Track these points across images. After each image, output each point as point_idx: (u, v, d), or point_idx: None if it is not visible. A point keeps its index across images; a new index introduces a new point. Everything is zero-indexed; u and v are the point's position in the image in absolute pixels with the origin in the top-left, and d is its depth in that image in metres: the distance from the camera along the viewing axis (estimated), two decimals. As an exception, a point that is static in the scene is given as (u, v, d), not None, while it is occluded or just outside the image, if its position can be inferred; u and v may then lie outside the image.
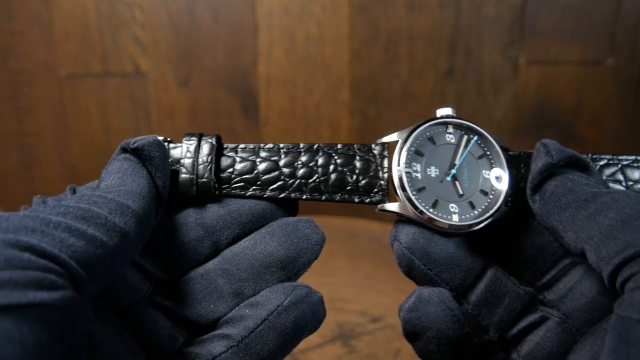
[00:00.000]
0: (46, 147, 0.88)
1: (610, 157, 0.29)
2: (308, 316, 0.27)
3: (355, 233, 0.74)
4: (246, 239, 0.29)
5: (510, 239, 0.29)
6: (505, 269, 0.29)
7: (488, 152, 0.30)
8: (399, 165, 0.29)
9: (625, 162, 0.29)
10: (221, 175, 0.30)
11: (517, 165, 0.29)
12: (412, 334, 0.27)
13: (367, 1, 0.78)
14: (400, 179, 0.28)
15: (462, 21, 0.78)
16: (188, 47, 0.82)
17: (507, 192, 0.28)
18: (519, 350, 0.28)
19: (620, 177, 0.29)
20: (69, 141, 0.87)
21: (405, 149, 0.29)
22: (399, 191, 0.28)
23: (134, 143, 0.27)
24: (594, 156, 0.30)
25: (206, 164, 0.29)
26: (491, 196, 0.29)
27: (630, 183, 0.29)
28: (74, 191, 0.28)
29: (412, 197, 0.28)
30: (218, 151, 0.30)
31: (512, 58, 0.78)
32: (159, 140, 0.28)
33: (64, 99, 0.85)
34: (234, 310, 0.27)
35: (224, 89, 0.83)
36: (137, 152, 0.27)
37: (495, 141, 0.29)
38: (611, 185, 0.29)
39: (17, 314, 0.17)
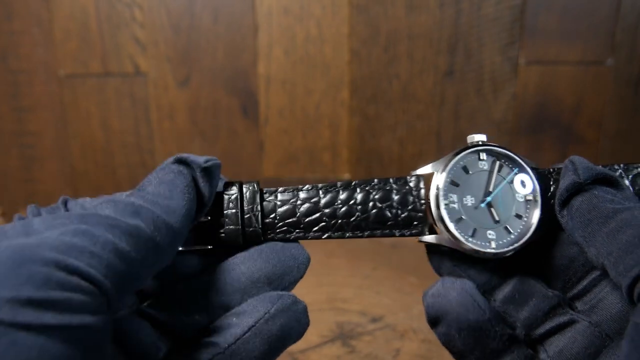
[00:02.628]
0: (46, 147, 0.88)
1: None
2: (293, 324, 0.27)
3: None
4: (235, 256, 0.29)
5: (542, 249, 0.30)
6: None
7: (516, 171, 0.30)
8: (436, 198, 0.29)
9: None
10: (265, 221, 0.30)
11: (547, 182, 0.30)
12: (433, 318, 0.28)
13: (367, 1, 0.78)
14: (439, 211, 0.29)
15: (462, 21, 0.78)
16: (188, 47, 0.82)
17: (540, 214, 0.29)
18: (547, 350, 0.28)
19: None
20: (69, 141, 0.87)
21: (441, 181, 0.29)
22: (438, 224, 0.29)
23: (206, 162, 0.27)
24: (626, 166, 0.30)
25: (252, 213, 0.30)
26: (525, 219, 0.29)
27: None
28: (65, 204, 0.28)
29: (451, 228, 0.29)
30: (260, 197, 0.30)
31: (512, 58, 0.78)
32: (220, 164, 0.29)
33: (64, 99, 0.85)
34: (220, 319, 0.28)
35: (223, 89, 0.83)
36: (202, 171, 0.27)
37: (525, 162, 0.30)
38: None
39: (68, 334, 0.18)
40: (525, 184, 0.30)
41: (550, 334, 0.28)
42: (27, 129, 0.88)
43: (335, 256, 0.67)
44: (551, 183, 0.30)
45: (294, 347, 0.49)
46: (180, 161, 0.27)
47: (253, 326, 0.26)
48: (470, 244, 0.28)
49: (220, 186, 0.31)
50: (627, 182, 0.30)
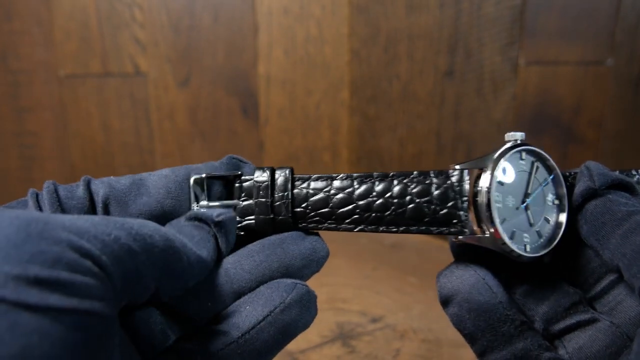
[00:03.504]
0: (46, 147, 0.88)
1: None
2: (304, 314, 0.27)
3: (355, 233, 0.74)
4: (254, 243, 0.29)
5: (561, 250, 0.30)
6: None
7: (552, 177, 0.30)
8: (488, 197, 0.27)
9: None
10: (295, 210, 0.29)
11: (572, 188, 0.30)
12: (445, 298, 0.28)
13: (367, 1, 0.78)
14: (490, 212, 0.27)
15: (462, 21, 0.78)
16: (188, 47, 0.82)
17: (567, 218, 0.29)
18: (566, 346, 0.28)
19: None
20: (69, 141, 0.87)
21: (488, 179, 0.28)
22: (485, 224, 0.27)
23: (218, 216, 0.27)
24: None
25: (283, 201, 0.29)
26: (553, 223, 0.29)
27: None
28: (88, 183, 0.27)
29: (500, 230, 0.27)
30: (292, 185, 0.29)
31: (512, 58, 0.78)
32: (235, 217, 0.28)
33: (64, 99, 0.85)
34: (232, 306, 0.27)
35: (223, 89, 0.83)
36: (216, 225, 0.27)
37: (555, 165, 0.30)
38: None
39: (73, 318, 0.17)
40: (555, 188, 0.29)
41: (570, 329, 0.28)
42: (27, 129, 0.88)
43: (336, 256, 0.67)
44: (567, 185, 0.30)
45: (293, 347, 0.49)
46: (195, 218, 0.27)
47: (268, 315, 0.26)
48: (512, 246, 0.27)
49: (251, 170, 0.30)
50: None
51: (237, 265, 0.28)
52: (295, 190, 0.30)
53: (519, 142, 0.29)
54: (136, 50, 0.82)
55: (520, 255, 0.28)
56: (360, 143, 0.84)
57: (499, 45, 0.78)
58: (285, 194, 0.29)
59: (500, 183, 0.28)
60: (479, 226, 0.27)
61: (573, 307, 0.28)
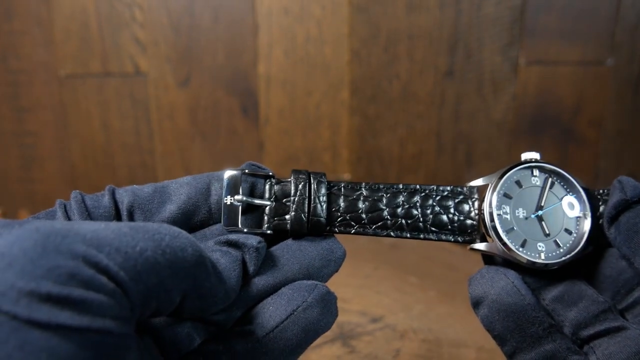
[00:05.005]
0: (46, 147, 0.88)
1: None
2: (326, 314, 0.28)
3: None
4: (274, 247, 0.29)
5: (591, 263, 0.31)
6: None
7: (571, 193, 0.32)
8: (490, 208, 0.30)
9: None
10: (329, 212, 0.31)
11: (596, 202, 0.31)
12: (475, 300, 0.29)
13: (367, 1, 0.78)
14: (492, 221, 0.30)
15: (462, 21, 0.78)
16: (188, 47, 0.82)
17: (589, 231, 0.30)
18: (596, 352, 0.28)
19: None
20: (69, 141, 0.87)
21: (496, 192, 0.31)
22: (491, 232, 0.30)
23: (259, 242, 0.27)
24: None
25: (319, 202, 0.30)
26: (575, 235, 0.31)
27: None
28: (113, 192, 0.28)
29: (503, 237, 0.30)
30: (327, 188, 0.31)
31: (512, 58, 0.78)
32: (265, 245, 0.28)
33: (64, 99, 0.85)
34: (256, 307, 0.27)
35: (223, 89, 0.83)
36: (255, 250, 0.27)
37: (577, 181, 0.32)
38: None
39: (84, 337, 0.17)
40: (576, 202, 0.31)
41: (599, 335, 0.28)
42: (27, 129, 0.88)
43: (335, 256, 0.67)
44: (600, 204, 0.31)
45: (294, 347, 0.49)
46: (227, 243, 0.27)
47: (291, 314, 0.26)
48: (521, 253, 0.30)
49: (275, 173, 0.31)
50: None
51: (260, 269, 0.28)
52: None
53: (533, 160, 0.32)
54: (136, 50, 0.82)
55: (532, 262, 0.29)
56: (360, 143, 0.84)
57: (499, 45, 0.78)
58: (321, 196, 0.30)
59: (508, 196, 0.31)
60: (488, 235, 0.30)
61: (602, 315, 0.29)
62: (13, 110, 0.87)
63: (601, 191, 0.32)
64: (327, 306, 0.28)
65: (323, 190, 0.30)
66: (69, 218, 0.26)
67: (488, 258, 0.32)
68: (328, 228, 0.31)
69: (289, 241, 0.29)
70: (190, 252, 0.22)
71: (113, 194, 0.28)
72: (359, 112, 0.82)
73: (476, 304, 0.30)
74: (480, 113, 0.81)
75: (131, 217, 0.28)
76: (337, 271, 0.30)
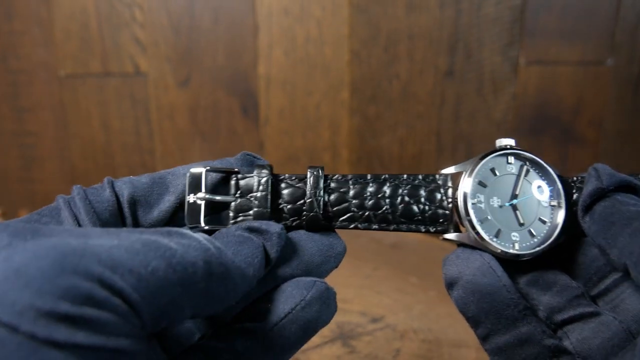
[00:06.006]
0: (46, 147, 0.88)
1: None
2: (325, 310, 0.28)
3: (356, 233, 0.74)
4: None
5: (565, 248, 0.30)
6: None
7: (546, 181, 0.31)
8: (464, 196, 0.30)
9: None
10: (293, 206, 0.30)
11: (570, 190, 0.31)
12: (450, 280, 0.29)
13: (367, 1, 0.78)
14: (466, 210, 0.29)
15: (462, 21, 0.78)
16: (188, 47, 0.82)
17: (564, 220, 0.30)
18: (570, 337, 0.28)
19: None
20: (69, 141, 0.87)
21: (470, 180, 0.30)
22: (464, 222, 0.29)
23: (282, 229, 0.28)
24: None
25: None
26: (549, 224, 0.30)
27: None
28: (112, 184, 0.28)
29: (477, 227, 0.29)
30: (273, 184, 0.30)
31: (512, 58, 0.78)
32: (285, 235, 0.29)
33: (64, 99, 0.85)
34: (255, 304, 0.28)
35: (223, 90, 0.83)
36: (278, 236, 0.27)
37: (552, 169, 0.31)
38: None
39: (99, 356, 0.17)
40: (550, 190, 0.31)
41: (573, 320, 0.28)
42: (27, 129, 0.88)
43: (336, 256, 0.67)
44: (574, 191, 0.31)
45: (294, 347, 0.49)
46: (252, 229, 0.27)
47: (290, 313, 0.27)
48: (494, 243, 0.29)
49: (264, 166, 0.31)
50: None
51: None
52: (292, 189, 0.31)
53: (508, 147, 0.31)
54: (136, 50, 0.82)
55: (506, 252, 0.29)
56: (360, 143, 0.84)
57: (499, 45, 0.78)
58: (318, 191, 0.30)
59: (483, 184, 0.30)
60: (462, 224, 0.29)
61: (576, 300, 0.28)
62: (13, 110, 0.87)
63: (575, 178, 0.31)
64: (326, 303, 0.28)
65: (283, 185, 0.30)
66: (75, 216, 0.27)
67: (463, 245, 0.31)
68: (291, 222, 0.30)
69: (290, 235, 0.29)
70: (201, 264, 0.22)
71: (112, 186, 0.28)
72: (359, 112, 0.82)
73: (450, 285, 0.29)
74: (480, 113, 0.81)
75: (132, 209, 0.28)
76: (336, 267, 0.30)
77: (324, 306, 0.28)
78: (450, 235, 0.30)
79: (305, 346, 0.50)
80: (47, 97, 0.86)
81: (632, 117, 0.79)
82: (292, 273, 0.28)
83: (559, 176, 0.31)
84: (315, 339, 0.50)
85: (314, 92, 0.82)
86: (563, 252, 0.30)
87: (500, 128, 0.81)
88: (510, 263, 0.29)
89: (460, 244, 0.30)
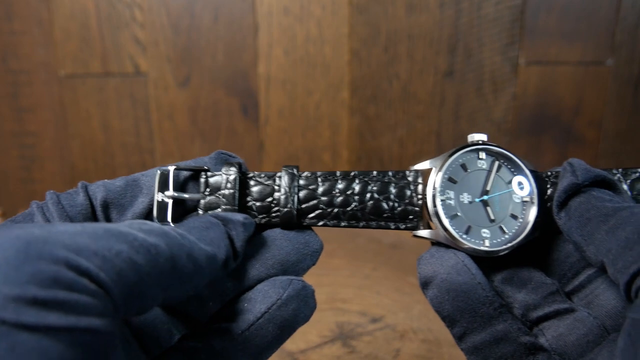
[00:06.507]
0: (46, 147, 0.88)
1: None
2: (303, 308, 0.28)
3: (355, 233, 0.74)
4: (248, 243, 0.29)
5: (538, 246, 0.30)
6: None
7: (518, 176, 0.30)
8: (433, 193, 0.29)
9: None
10: (262, 204, 0.30)
11: (544, 185, 0.30)
12: (424, 279, 0.28)
13: (367, 1, 0.78)
14: (435, 207, 0.29)
15: (462, 21, 0.78)
16: (188, 47, 0.82)
17: (536, 216, 0.29)
18: (546, 334, 0.28)
19: None
20: (69, 141, 0.87)
21: (439, 177, 0.29)
22: (433, 218, 0.29)
23: (245, 218, 0.28)
24: (625, 171, 0.30)
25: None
26: (521, 220, 0.30)
27: None
28: (85, 188, 0.28)
29: (446, 224, 0.29)
30: (242, 181, 0.30)
31: (512, 58, 0.78)
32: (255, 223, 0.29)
33: (64, 99, 0.85)
34: (232, 304, 0.28)
35: (223, 89, 0.83)
36: (242, 226, 0.28)
37: (525, 164, 0.30)
38: None
39: (72, 336, 0.17)
40: (522, 186, 0.30)
41: (549, 317, 0.28)
42: (27, 129, 0.88)
43: (336, 256, 0.67)
44: (548, 186, 0.30)
45: (293, 347, 0.49)
46: (217, 218, 0.28)
47: (266, 312, 0.27)
48: (464, 240, 0.29)
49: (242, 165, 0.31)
50: (625, 187, 0.30)
51: (236, 268, 0.28)
52: (261, 186, 0.30)
53: (479, 142, 0.30)
54: (136, 50, 0.82)
55: (477, 249, 0.28)
56: (360, 143, 0.84)
57: (499, 45, 0.78)
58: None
59: (452, 180, 0.30)
60: (431, 221, 0.29)
61: (551, 297, 0.28)
62: (13, 110, 0.87)
63: (549, 173, 0.30)
64: (304, 300, 0.28)
65: (252, 182, 0.30)
66: (47, 220, 0.27)
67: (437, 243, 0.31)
68: (259, 220, 0.30)
69: (265, 235, 0.30)
70: (164, 246, 0.22)
71: (86, 190, 0.28)
72: (359, 112, 0.82)
73: (425, 284, 0.29)
74: (480, 113, 0.81)
75: (106, 212, 0.28)
76: (313, 264, 0.30)
77: (302, 304, 0.28)
78: (421, 232, 0.30)
79: (305, 346, 0.51)
80: (47, 97, 0.86)
81: (632, 117, 0.79)
82: (268, 273, 0.28)
83: (532, 171, 0.30)
84: (315, 339, 0.50)
85: (314, 92, 0.82)
86: (537, 248, 0.30)
87: (500, 128, 0.81)
88: (485, 261, 0.29)
89: (434, 242, 0.30)
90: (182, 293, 0.24)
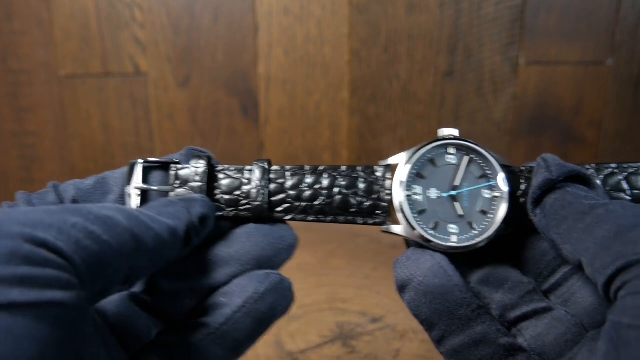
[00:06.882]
0: (46, 147, 0.88)
1: (616, 165, 0.30)
2: (281, 301, 0.28)
3: (355, 233, 0.74)
4: (222, 239, 0.30)
5: (514, 243, 0.30)
6: None
7: (488, 172, 0.30)
8: (399, 188, 0.29)
9: (630, 170, 0.29)
10: (230, 197, 0.30)
11: (517, 181, 0.30)
12: (401, 283, 0.28)
13: (367, 1, 0.78)
14: (400, 203, 0.29)
15: (462, 21, 0.78)
16: (188, 47, 0.82)
17: (506, 211, 0.29)
18: (524, 335, 0.28)
19: (625, 185, 0.29)
20: (69, 141, 0.87)
21: (406, 172, 0.29)
22: (398, 214, 0.29)
23: (202, 198, 0.28)
24: (598, 166, 0.30)
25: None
26: (490, 216, 0.29)
27: (636, 192, 0.29)
28: (56, 188, 0.29)
29: (412, 220, 0.28)
30: (210, 174, 0.30)
31: (512, 58, 0.78)
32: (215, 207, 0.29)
33: (64, 99, 0.85)
34: (209, 299, 0.28)
35: (223, 89, 0.83)
36: (190, 201, 0.28)
37: (497, 159, 0.30)
38: (615, 195, 0.29)
39: (38, 312, 0.17)
40: (493, 181, 0.30)
41: (527, 317, 0.28)
42: (27, 129, 0.88)
43: (335, 256, 0.67)
44: (522, 181, 0.30)
45: (293, 347, 0.49)
46: (177, 197, 0.28)
47: (243, 306, 0.27)
48: (430, 236, 0.28)
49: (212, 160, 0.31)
50: (598, 182, 0.29)
51: (210, 260, 0.29)
52: (230, 180, 0.30)
53: (451, 137, 0.30)
54: (136, 50, 0.82)
55: (444, 245, 0.28)
56: (360, 143, 0.84)
57: (499, 45, 0.78)
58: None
59: (421, 176, 0.29)
60: (397, 217, 0.29)
61: (528, 296, 0.28)
62: (13, 110, 0.87)
63: (523, 168, 0.30)
64: (282, 294, 0.28)
65: (222, 175, 0.30)
66: None
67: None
68: (227, 212, 0.30)
69: (239, 230, 0.30)
70: (120, 217, 0.22)
71: (57, 190, 0.29)
72: (359, 112, 0.82)
73: (402, 288, 0.28)
74: (480, 113, 0.81)
75: None
76: (289, 258, 0.30)
77: (279, 297, 0.28)
78: (388, 228, 0.30)
79: (305, 346, 0.51)
80: (47, 97, 0.86)
81: (632, 117, 0.79)
82: (243, 268, 0.28)
83: (504, 166, 0.30)
84: (315, 339, 0.50)
85: (314, 92, 0.82)
86: (513, 246, 0.30)
87: (500, 128, 0.81)
88: (462, 261, 0.29)
89: (408, 242, 0.30)
90: (149, 265, 0.24)
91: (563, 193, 0.26)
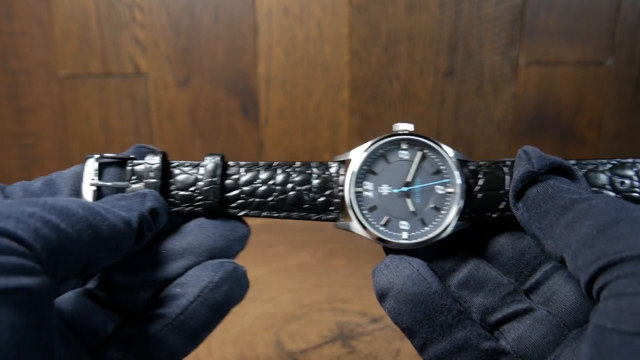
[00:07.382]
0: (46, 147, 0.88)
1: (596, 162, 0.29)
2: (236, 289, 0.28)
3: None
4: (176, 232, 0.30)
5: (493, 241, 0.29)
6: None
7: (443, 168, 0.29)
8: (349, 185, 0.29)
9: (609, 166, 0.29)
10: (185, 193, 0.30)
11: (474, 176, 0.29)
12: (380, 292, 0.28)
13: (367, 1, 0.78)
14: (350, 199, 0.29)
15: (462, 21, 0.78)
16: (188, 47, 0.82)
17: (459, 207, 0.28)
18: (506, 337, 0.28)
19: (605, 181, 0.29)
20: (69, 141, 0.87)
21: (356, 168, 0.29)
22: (349, 210, 0.29)
23: (150, 192, 0.29)
24: (578, 162, 0.30)
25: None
26: (443, 212, 0.29)
27: (617, 185, 0.29)
28: (2, 190, 0.29)
29: (361, 217, 0.29)
30: (165, 170, 0.30)
31: (512, 58, 0.78)
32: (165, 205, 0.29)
33: (64, 99, 0.85)
34: (165, 291, 0.28)
35: (223, 89, 0.83)
36: (143, 196, 0.29)
37: (453, 154, 0.29)
38: (597, 190, 0.29)
39: (5, 298, 0.17)
40: (447, 177, 0.29)
41: (508, 319, 0.28)
42: (27, 129, 0.88)
43: (335, 256, 0.67)
44: (480, 176, 0.29)
45: (293, 347, 0.49)
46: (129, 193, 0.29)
47: (199, 295, 0.27)
48: (379, 233, 0.28)
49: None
50: (580, 174, 0.29)
51: (163, 253, 0.29)
52: (185, 175, 0.31)
53: (405, 132, 0.30)
54: (136, 50, 0.82)
55: (394, 242, 0.28)
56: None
57: (499, 45, 0.78)
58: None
59: (372, 172, 0.29)
60: (348, 213, 0.29)
61: (509, 297, 0.28)
62: (13, 110, 0.87)
63: (481, 163, 0.30)
64: (236, 281, 0.28)
65: (177, 171, 0.30)
66: None
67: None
68: (182, 208, 0.30)
69: (192, 223, 0.30)
70: (75, 207, 0.23)
71: (3, 191, 0.29)
72: (359, 112, 0.82)
73: (382, 296, 0.28)
74: (480, 113, 0.81)
75: None
76: (243, 249, 0.30)
77: (234, 285, 0.28)
78: (341, 224, 0.30)
79: (305, 346, 0.50)
80: (47, 97, 0.85)
81: (632, 117, 0.79)
82: (197, 260, 0.29)
83: (461, 161, 0.29)
84: (315, 339, 0.50)
85: (313, 92, 0.82)
86: (492, 246, 0.30)
87: (500, 128, 0.81)
88: (441, 264, 0.28)
89: (387, 250, 0.30)
90: (106, 256, 0.24)
91: (545, 186, 0.26)
